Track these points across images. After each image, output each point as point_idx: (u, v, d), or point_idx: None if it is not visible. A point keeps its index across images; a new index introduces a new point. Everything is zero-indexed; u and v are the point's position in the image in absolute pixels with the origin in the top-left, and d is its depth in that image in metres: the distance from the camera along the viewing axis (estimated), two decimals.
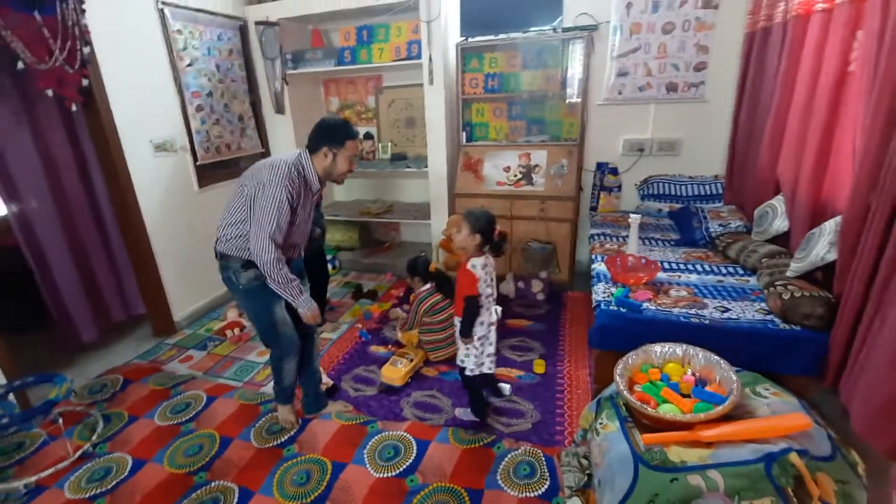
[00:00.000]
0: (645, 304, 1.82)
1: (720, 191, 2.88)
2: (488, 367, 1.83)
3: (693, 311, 1.75)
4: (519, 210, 3.09)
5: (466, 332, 1.76)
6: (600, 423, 1.43)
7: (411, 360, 2.31)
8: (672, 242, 2.54)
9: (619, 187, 3.21)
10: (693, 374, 1.49)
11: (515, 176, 3.13)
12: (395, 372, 2.23)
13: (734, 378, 1.36)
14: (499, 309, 1.83)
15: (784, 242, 2.08)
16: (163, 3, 2.66)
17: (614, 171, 3.19)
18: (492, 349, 1.82)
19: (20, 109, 2.36)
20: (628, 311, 1.79)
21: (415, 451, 1.82)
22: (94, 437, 1.97)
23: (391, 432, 1.93)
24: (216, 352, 2.67)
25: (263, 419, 2.05)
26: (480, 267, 1.72)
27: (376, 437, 1.90)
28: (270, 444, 1.91)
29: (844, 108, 1.69)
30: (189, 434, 1.99)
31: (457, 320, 1.83)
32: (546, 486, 1.63)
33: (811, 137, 1.84)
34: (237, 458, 1.84)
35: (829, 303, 1.55)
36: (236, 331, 2.80)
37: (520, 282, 3.09)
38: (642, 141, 3.10)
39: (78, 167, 2.62)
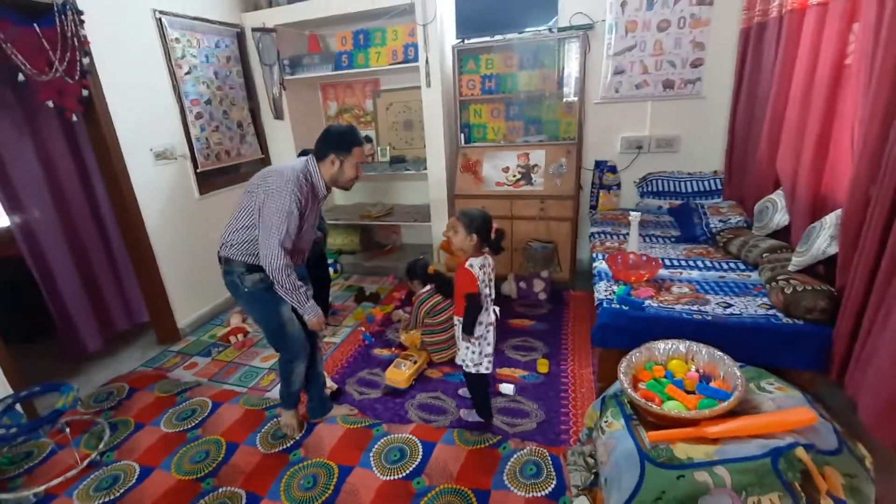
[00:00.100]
0: (647, 302, 1.82)
1: (719, 186, 2.88)
2: (486, 367, 1.84)
3: (695, 308, 1.75)
4: (519, 210, 3.10)
5: (469, 330, 1.76)
6: (605, 422, 1.43)
7: (415, 362, 2.31)
8: (673, 239, 2.54)
9: (619, 185, 3.21)
10: (697, 371, 1.49)
11: (514, 176, 3.13)
12: (399, 374, 2.24)
13: (738, 373, 1.37)
14: (497, 309, 1.84)
15: (785, 237, 2.08)
16: (160, 11, 2.67)
17: (613, 169, 3.19)
18: (490, 349, 1.83)
19: (22, 121, 2.38)
20: (631, 309, 1.79)
21: (421, 453, 1.83)
22: (101, 446, 1.98)
23: (396, 435, 1.93)
24: (220, 358, 2.68)
25: (269, 424, 2.05)
26: (478, 266, 1.72)
27: (382, 440, 1.90)
28: (276, 449, 1.91)
29: (842, 102, 1.69)
30: (195, 440, 2.00)
31: (457, 320, 1.84)
32: (553, 486, 1.63)
33: (809, 131, 1.84)
34: (244, 464, 1.85)
35: (831, 296, 1.55)
36: (240, 336, 2.81)
37: (521, 282, 3.09)
38: (640, 138, 3.11)
39: (79, 177, 2.64)
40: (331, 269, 3.46)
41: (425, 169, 3.28)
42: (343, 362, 2.54)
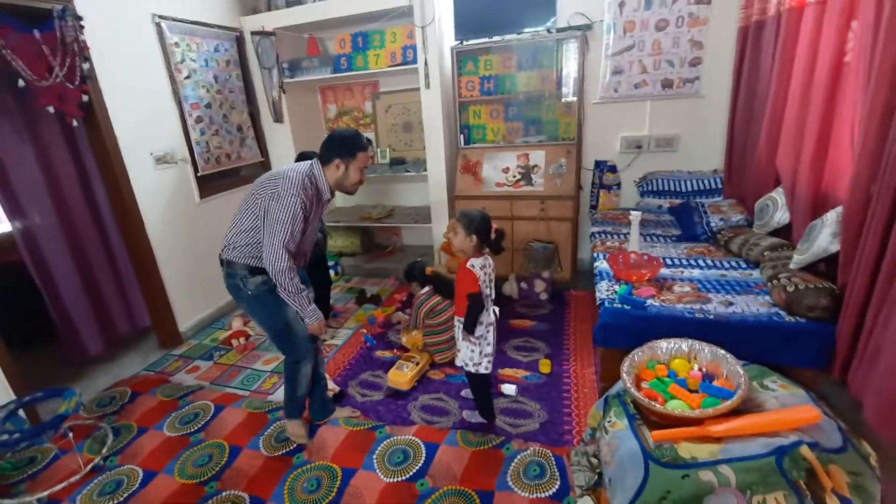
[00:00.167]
0: (649, 301, 1.82)
1: (719, 185, 2.88)
2: (486, 367, 1.84)
3: (697, 307, 1.75)
4: (519, 210, 3.10)
5: (470, 329, 1.77)
6: (609, 422, 1.43)
7: (417, 364, 2.31)
8: (673, 238, 2.54)
9: (619, 185, 3.22)
10: (700, 370, 1.49)
11: (514, 177, 3.13)
12: (401, 376, 2.24)
13: (741, 372, 1.37)
14: (497, 309, 1.84)
15: (786, 235, 2.08)
16: (159, 16, 2.68)
17: (613, 169, 3.20)
18: (490, 349, 1.83)
19: (22, 127, 2.38)
20: (632, 309, 1.79)
21: (424, 454, 1.82)
22: (104, 451, 1.98)
23: (399, 437, 1.93)
24: (222, 361, 2.68)
25: (272, 427, 2.05)
26: (479, 267, 1.72)
27: (385, 442, 1.90)
28: (279, 453, 1.91)
29: (841, 99, 1.69)
30: (198, 444, 2.00)
31: (458, 320, 1.84)
32: (556, 486, 1.63)
33: (809, 129, 1.84)
34: (247, 467, 1.85)
35: (833, 294, 1.55)
36: (242, 340, 2.81)
37: (522, 282, 3.09)
38: (640, 138, 3.11)
39: (80, 182, 2.64)
40: (332, 272, 3.46)
41: (425, 170, 3.28)
42: (345, 364, 2.54)
